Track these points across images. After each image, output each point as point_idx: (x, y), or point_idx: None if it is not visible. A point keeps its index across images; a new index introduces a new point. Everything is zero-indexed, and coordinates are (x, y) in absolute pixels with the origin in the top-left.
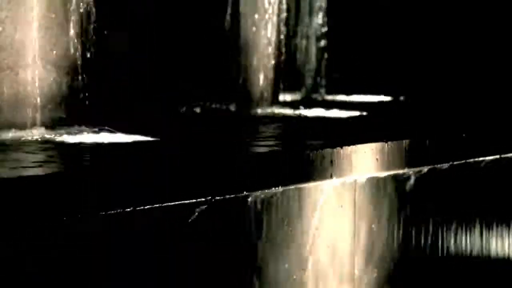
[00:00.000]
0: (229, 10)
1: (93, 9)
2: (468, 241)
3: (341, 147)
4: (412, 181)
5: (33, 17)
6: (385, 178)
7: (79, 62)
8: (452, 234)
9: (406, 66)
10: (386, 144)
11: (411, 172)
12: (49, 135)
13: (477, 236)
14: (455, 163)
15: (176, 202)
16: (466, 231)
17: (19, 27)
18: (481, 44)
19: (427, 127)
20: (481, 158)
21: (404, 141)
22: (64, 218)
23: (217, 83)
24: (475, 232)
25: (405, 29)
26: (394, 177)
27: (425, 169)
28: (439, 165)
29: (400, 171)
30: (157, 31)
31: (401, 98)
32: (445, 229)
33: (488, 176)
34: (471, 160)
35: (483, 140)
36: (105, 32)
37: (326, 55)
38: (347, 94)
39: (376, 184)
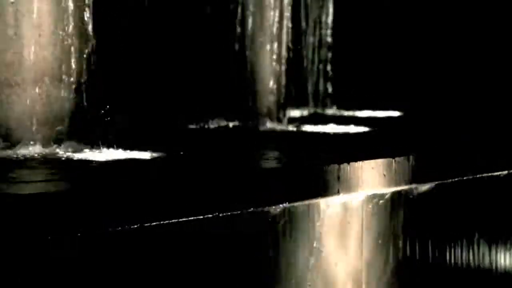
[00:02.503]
0: (238, 29)
1: (99, 26)
2: (477, 256)
3: (348, 163)
4: (419, 196)
5: (40, 34)
6: (392, 194)
7: (86, 79)
8: (461, 249)
9: (413, 81)
10: (393, 160)
11: (418, 188)
12: (56, 151)
13: (485, 251)
14: (462, 178)
15: (182, 219)
16: (475, 246)
17: (27, 44)
18: (490, 62)
19: (434, 142)
20: (489, 174)
21: (411, 156)
22: (67, 236)
23: (225, 99)
24: (484, 247)
25: (412, 44)
26: (401, 193)
27: (432, 184)
28: (446, 181)
29: (407, 187)
30: (166, 48)
31: (408, 112)
32: (453, 244)
33: (497, 191)
34: (479, 175)
35: (491, 155)
36: (112, 49)
37: (333, 71)
38: (354, 109)
39: (383, 199)
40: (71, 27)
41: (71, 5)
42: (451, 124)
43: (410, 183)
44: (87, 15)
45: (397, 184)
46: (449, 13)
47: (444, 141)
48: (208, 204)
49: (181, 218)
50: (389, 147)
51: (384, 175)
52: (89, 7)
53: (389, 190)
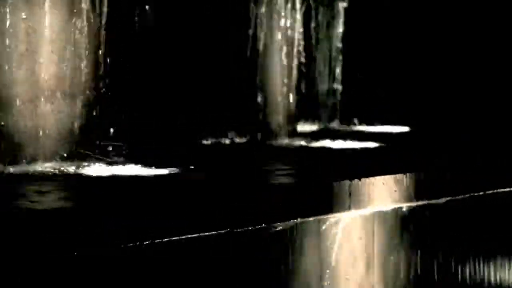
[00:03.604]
0: (249, 43)
1: (111, 42)
2: (488, 273)
3: (359, 179)
4: (430, 212)
5: (52, 50)
6: (403, 210)
7: (98, 95)
8: (473, 265)
9: (425, 95)
10: (405, 175)
11: (429, 204)
12: (68, 167)
13: (497, 268)
14: (474, 194)
15: (195, 235)
16: (487, 263)
17: (39, 60)
18: (502, 79)
19: (446, 158)
20: (500, 190)
21: (422, 172)
22: (75, 252)
23: (236, 114)
24: (495, 264)
25: (424, 58)
26: (413, 209)
27: (443, 200)
28: (457, 197)
29: (419, 203)
30: (178, 64)
31: (419, 127)
32: (465, 260)
33: (509, 206)
34: (490, 191)
35: (503, 171)
36: (125, 65)
37: (344, 86)
38: (365, 124)
39: (394, 215)
40: (82, 42)
41: (82, 20)
42: (463, 139)
43: (422, 199)
44: (99, 30)
45: (408, 200)
46: (462, 28)
47: (455, 156)
48: (220, 220)
49: (193, 234)
50: (401, 162)
51: (395, 191)
52: (101, 22)
53: (400, 206)
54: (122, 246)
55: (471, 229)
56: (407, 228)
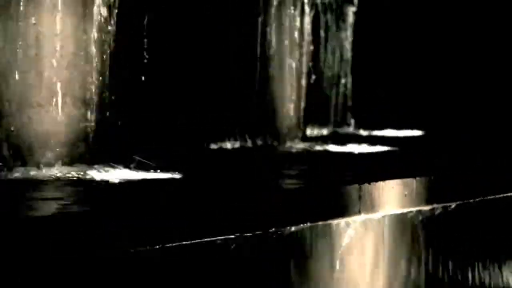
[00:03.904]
0: (258, 48)
1: (120, 47)
2: (500, 277)
3: (369, 183)
4: (440, 216)
5: (62, 55)
6: (413, 214)
7: (108, 99)
8: (483, 270)
9: (434, 98)
10: (414, 179)
11: (439, 208)
12: (77, 172)
13: (509, 273)
14: (485, 198)
15: (203, 240)
16: (497, 267)
17: (48, 65)
18: (506, 78)
19: (455, 162)
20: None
21: (432, 176)
22: (91, 255)
23: (246, 118)
24: (508, 268)
25: (433, 62)
26: (423, 213)
27: (454, 204)
28: (468, 200)
29: (429, 207)
30: (187, 68)
31: (429, 131)
32: (475, 264)
33: None
34: (502, 195)
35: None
36: (133, 70)
37: (353, 90)
38: (375, 128)
39: (404, 219)
40: (92, 47)
41: (92, 26)
42: (473, 143)
43: (432, 203)
44: (108, 36)
45: (418, 204)
46: (472, 33)
47: (465, 160)
48: (229, 225)
49: (202, 239)
50: (410, 166)
51: (405, 195)
52: (110, 28)
53: (410, 210)
54: (132, 251)
55: (482, 233)
56: (417, 232)
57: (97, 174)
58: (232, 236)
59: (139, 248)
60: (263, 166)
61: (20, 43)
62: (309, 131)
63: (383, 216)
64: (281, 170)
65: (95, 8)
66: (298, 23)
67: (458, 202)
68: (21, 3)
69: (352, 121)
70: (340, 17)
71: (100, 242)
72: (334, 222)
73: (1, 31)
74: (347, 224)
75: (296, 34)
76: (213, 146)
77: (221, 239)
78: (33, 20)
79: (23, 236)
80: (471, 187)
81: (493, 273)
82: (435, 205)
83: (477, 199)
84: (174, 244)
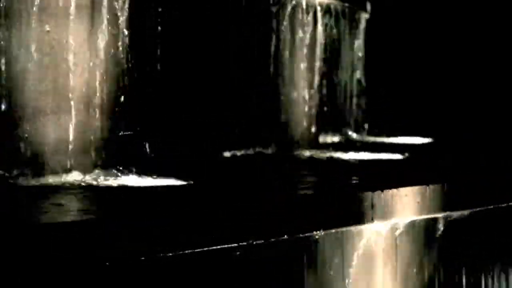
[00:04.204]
0: (271, 55)
1: (134, 54)
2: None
3: (382, 191)
4: (453, 224)
5: (75, 62)
6: (426, 221)
7: (121, 106)
8: (496, 278)
9: (446, 105)
10: (427, 187)
11: (453, 215)
12: (90, 179)
13: None
14: (497, 205)
15: (215, 247)
16: (510, 275)
17: (62, 72)
18: None
19: (468, 169)
20: None
21: (445, 184)
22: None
23: (258, 125)
24: None
25: (446, 70)
26: (436, 220)
27: (466, 212)
28: (481, 208)
29: (441, 214)
30: (199, 74)
31: (441, 138)
32: (488, 272)
33: None
34: None
35: None
36: (146, 77)
37: (366, 97)
38: (387, 136)
39: (417, 227)
40: (105, 55)
41: (105, 33)
42: (485, 150)
43: (444, 210)
44: (121, 43)
45: (431, 211)
46: (482, 43)
47: (478, 168)
48: (241, 232)
49: (215, 246)
50: (423, 174)
51: (418, 203)
52: (123, 34)
53: (423, 218)
54: (144, 258)
55: (496, 240)
56: (430, 240)
57: (109, 180)
58: (245, 243)
59: (149, 255)
60: (276, 173)
61: (34, 50)
62: (321, 138)
63: (396, 224)
64: (294, 177)
65: (107, 16)
66: (310, 30)
67: (471, 209)
68: (35, 11)
69: (365, 128)
70: (353, 23)
71: (110, 248)
72: (347, 229)
73: (16, 38)
74: (360, 232)
75: (309, 41)
76: (226, 154)
77: (233, 246)
78: (47, 28)
79: (36, 242)
80: (485, 194)
81: (506, 281)
82: (448, 213)
83: (491, 206)
84: (185, 252)
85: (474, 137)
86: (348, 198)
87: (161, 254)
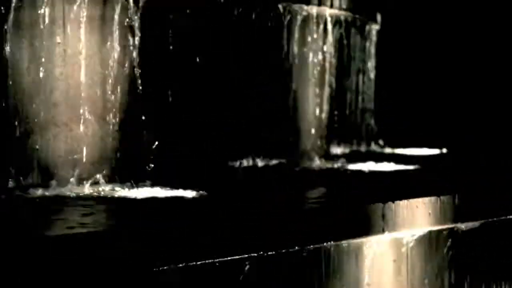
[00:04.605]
0: (282, 66)
1: (145, 66)
2: None
3: (393, 202)
4: (465, 235)
5: (86, 74)
6: (437, 233)
7: (131, 118)
8: None
9: (457, 118)
10: (439, 198)
11: (464, 226)
12: (101, 190)
13: None
14: (509, 217)
15: (226, 258)
16: None
17: (73, 83)
18: None
19: (479, 180)
20: None
21: (456, 195)
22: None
23: (269, 136)
24: None
25: (457, 82)
26: (447, 232)
27: (478, 223)
28: (493, 219)
29: (453, 225)
30: (209, 84)
31: (452, 149)
32: (500, 283)
33: None
34: None
35: None
36: (157, 89)
37: (376, 108)
38: (398, 147)
39: (428, 238)
40: (116, 67)
41: (116, 45)
42: (497, 161)
43: (456, 221)
44: (132, 55)
45: (442, 222)
46: (496, 55)
47: (490, 179)
48: (252, 243)
49: (225, 257)
50: (434, 185)
51: (430, 214)
52: (135, 47)
53: (434, 229)
54: (155, 269)
55: (507, 252)
56: (441, 251)
57: (121, 192)
58: (255, 255)
59: (161, 267)
60: (287, 184)
61: (44, 62)
62: (332, 149)
63: (407, 235)
64: (304, 188)
65: (119, 28)
66: (321, 41)
67: (483, 221)
68: (46, 23)
69: (375, 139)
70: (363, 35)
71: (122, 260)
72: (358, 241)
73: (27, 50)
74: (371, 243)
75: (319, 52)
76: (237, 164)
77: (243, 258)
78: (57, 40)
79: (47, 254)
80: (496, 205)
81: None
82: (459, 224)
83: (503, 217)
84: (197, 263)
85: (489, 149)
86: (358, 209)
87: (173, 266)
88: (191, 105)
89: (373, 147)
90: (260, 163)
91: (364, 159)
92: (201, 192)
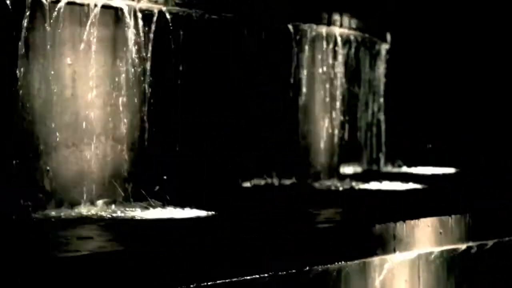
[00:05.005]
0: (292, 86)
1: (156, 86)
2: None
3: (404, 221)
4: (476, 254)
5: (96, 95)
6: (449, 252)
7: (141, 139)
8: None
9: (467, 137)
10: (450, 217)
11: (475, 246)
12: (113, 211)
13: None
14: None
15: (237, 278)
16: None
17: (83, 105)
18: None
19: (490, 199)
20: None
21: (467, 214)
22: None
23: (279, 156)
24: None
25: (466, 100)
26: (459, 251)
27: (490, 242)
28: (503, 239)
29: (464, 245)
30: (220, 105)
31: (462, 168)
32: None
33: None
34: None
35: None
36: (167, 109)
37: (386, 128)
38: (408, 166)
39: (440, 258)
40: (126, 87)
41: (126, 65)
42: (509, 179)
43: (467, 241)
44: (143, 75)
45: (454, 242)
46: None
47: (500, 198)
48: (263, 264)
49: (236, 278)
50: (445, 204)
51: (441, 233)
52: (145, 67)
53: (445, 248)
54: None
55: None
56: (453, 271)
57: (132, 212)
58: (266, 275)
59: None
60: (297, 204)
61: (55, 83)
62: (342, 169)
63: (419, 255)
64: (315, 207)
65: (128, 48)
66: (330, 60)
67: (495, 240)
68: (57, 44)
69: (386, 159)
70: (373, 54)
71: (135, 281)
72: (369, 260)
73: (38, 72)
74: (382, 263)
75: (329, 71)
76: (248, 184)
77: (254, 278)
78: (68, 61)
79: (58, 275)
80: (507, 225)
81: None
82: (471, 243)
83: None
84: (209, 283)
85: (500, 168)
86: (370, 229)
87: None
88: (201, 126)
89: (384, 166)
90: (272, 182)
91: (375, 179)
92: (212, 212)
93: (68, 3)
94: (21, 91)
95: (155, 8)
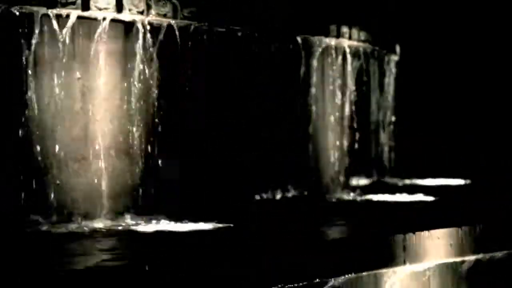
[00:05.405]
0: (301, 98)
1: (164, 100)
2: None
3: (414, 233)
4: (487, 265)
5: (105, 109)
6: (459, 264)
7: (150, 151)
8: None
9: (476, 148)
10: (460, 229)
11: (486, 258)
12: (123, 224)
13: None
14: None
15: None
16: None
17: (92, 118)
18: None
19: (499, 211)
20: None
21: (478, 225)
22: None
23: (290, 169)
24: None
25: (475, 111)
26: (469, 262)
27: (502, 253)
28: None
29: (476, 256)
30: (231, 118)
31: (472, 180)
32: None
33: None
34: None
35: None
36: (175, 125)
37: (396, 139)
38: (419, 178)
39: (450, 269)
40: (135, 101)
41: (135, 79)
42: None
43: (478, 252)
44: (152, 89)
45: (464, 253)
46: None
47: (510, 209)
48: (273, 276)
49: None
50: (454, 216)
51: (451, 245)
52: (153, 81)
53: (456, 260)
54: None
55: None
56: (464, 283)
57: (143, 226)
58: (279, 287)
59: None
60: (308, 216)
61: (64, 97)
62: (353, 181)
63: (429, 267)
64: (326, 220)
65: (138, 62)
66: (340, 72)
67: (505, 251)
68: (66, 58)
69: (396, 170)
70: (382, 66)
71: None
72: (379, 272)
73: (47, 86)
74: (392, 275)
75: (339, 83)
76: (259, 197)
77: None
78: (77, 75)
79: None
80: None
81: None
82: (481, 255)
83: None
84: None
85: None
86: (380, 241)
87: None
88: (215, 138)
89: (394, 178)
90: (283, 195)
91: (385, 191)
92: (225, 224)
93: (78, 17)
94: (30, 106)
95: (164, 21)
